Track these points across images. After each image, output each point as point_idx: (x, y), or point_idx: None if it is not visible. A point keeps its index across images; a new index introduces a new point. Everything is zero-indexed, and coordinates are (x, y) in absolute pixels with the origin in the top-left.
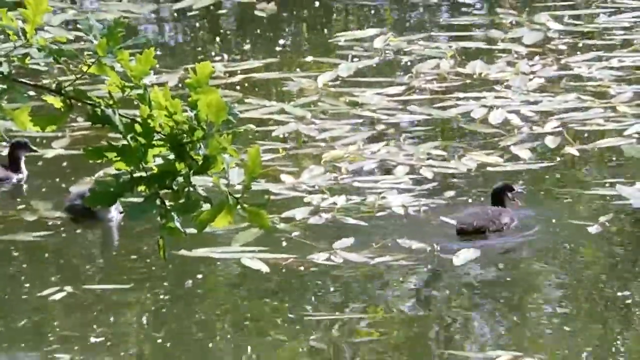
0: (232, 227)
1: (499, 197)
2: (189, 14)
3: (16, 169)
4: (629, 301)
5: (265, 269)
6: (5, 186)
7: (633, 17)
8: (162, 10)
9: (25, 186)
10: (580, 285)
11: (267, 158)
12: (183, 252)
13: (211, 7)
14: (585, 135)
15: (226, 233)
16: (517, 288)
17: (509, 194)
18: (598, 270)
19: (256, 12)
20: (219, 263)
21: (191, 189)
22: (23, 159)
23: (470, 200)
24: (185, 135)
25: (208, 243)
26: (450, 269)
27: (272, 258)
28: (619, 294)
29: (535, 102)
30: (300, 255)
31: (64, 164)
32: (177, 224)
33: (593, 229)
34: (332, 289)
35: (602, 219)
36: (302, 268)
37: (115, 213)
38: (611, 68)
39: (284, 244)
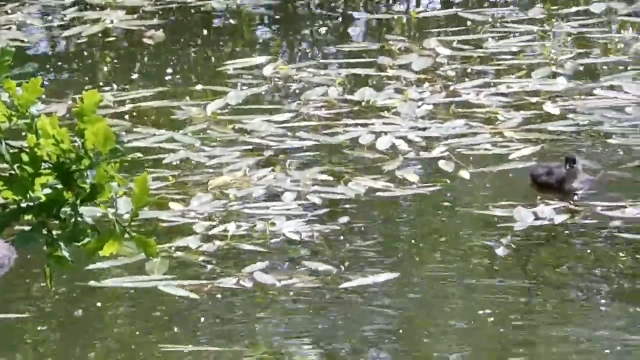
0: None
1: None
2: (78, 41)
3: None
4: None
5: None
6: None
7: (520, 42)
8: (51, 38)
9: None
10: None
11: (156, 186)
12: (92, 283)
13: (99, 34)
14: (471, 158)
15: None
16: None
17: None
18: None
19: (144, 40)
20: (132, 292)
21: (78, 217)
22: None
23: (362, 227)
24: (72, 164)
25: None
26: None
27: (187, 285)
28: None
29: (424, 128)
30: (210, 281)
31: None
32: (65, 253)
33: (499, 251)
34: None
35: (503, 240)
36: (219, 296)
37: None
38: (499, 94)
39: (190, 271)
